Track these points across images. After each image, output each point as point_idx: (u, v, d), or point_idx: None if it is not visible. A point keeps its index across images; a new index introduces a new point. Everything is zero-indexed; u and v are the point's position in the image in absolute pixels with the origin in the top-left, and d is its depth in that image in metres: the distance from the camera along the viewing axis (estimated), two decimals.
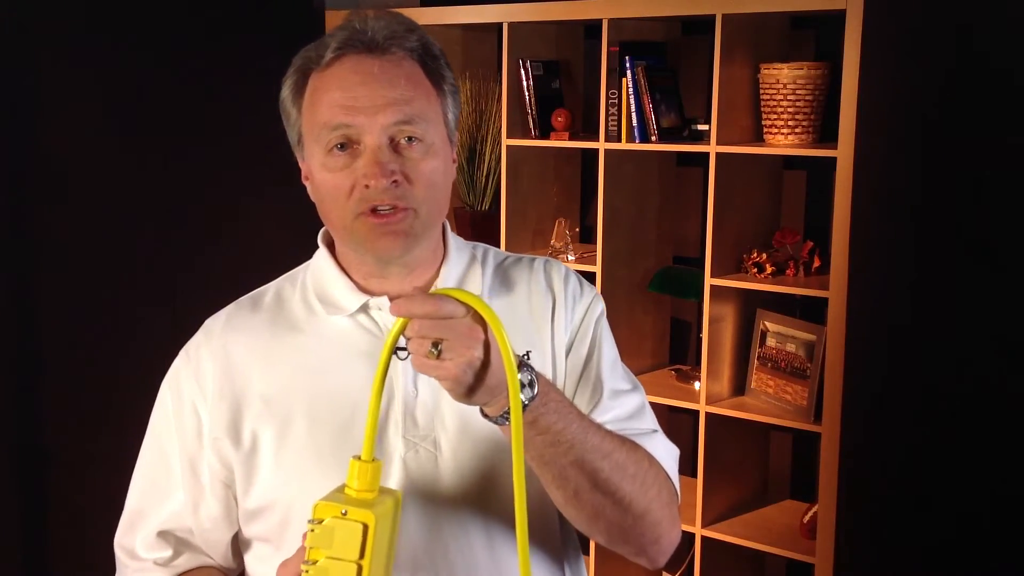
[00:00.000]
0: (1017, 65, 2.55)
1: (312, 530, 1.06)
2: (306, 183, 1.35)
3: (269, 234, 3.11)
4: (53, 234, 2.64)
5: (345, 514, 1.07)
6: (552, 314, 1.38)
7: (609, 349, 1.42)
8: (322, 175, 1.28)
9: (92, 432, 2.72)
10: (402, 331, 1.09)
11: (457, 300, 1.07)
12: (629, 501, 1.26)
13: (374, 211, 1.25)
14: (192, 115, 2.91)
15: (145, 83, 2.80)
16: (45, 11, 2.58)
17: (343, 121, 1.25)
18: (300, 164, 1.36)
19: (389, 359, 1.09)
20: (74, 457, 2.70)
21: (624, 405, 1.37)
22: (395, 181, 1.24)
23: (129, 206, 2.79)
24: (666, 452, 1.36)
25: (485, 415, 1.15)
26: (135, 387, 2.74)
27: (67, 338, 2.68)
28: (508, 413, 1.10)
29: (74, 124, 2.66)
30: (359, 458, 1.10)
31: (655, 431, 1.38)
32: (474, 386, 1.09)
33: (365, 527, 1.06)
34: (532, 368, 1.14)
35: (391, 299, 1.31)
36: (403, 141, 1.26)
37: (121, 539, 1.40)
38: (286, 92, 1.33)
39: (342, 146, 1.25)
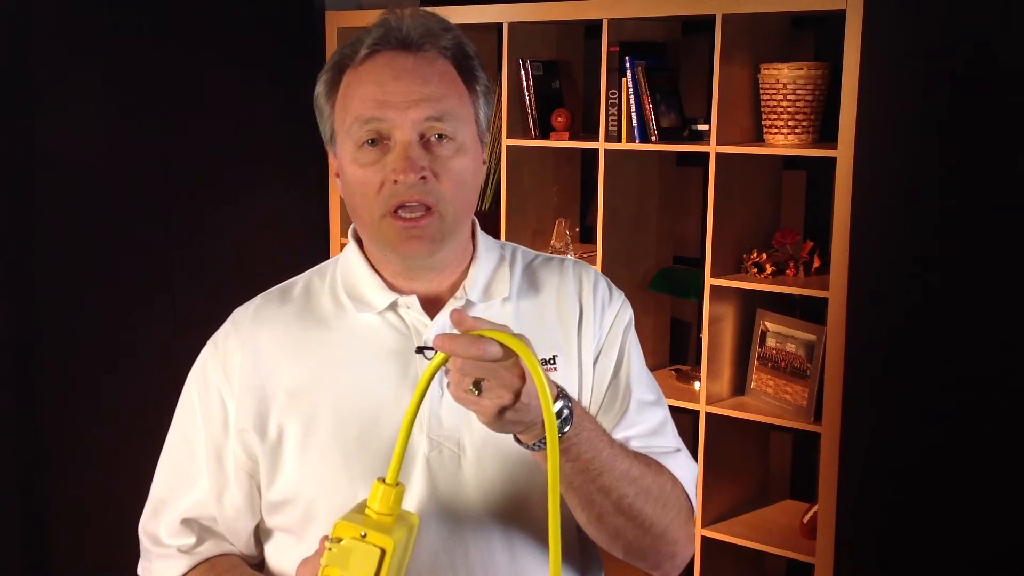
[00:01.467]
0: (1018, 64, 2.55)
1: (330, 548, 1.08)
2: (336, 179, 1.36)
3: (270, 235, 3.12)
4: (53, 234, 2.64)
5: (364, 536, 1.08)
6: (580, 320, 1.39)
7: (637, 358, 1.43)
8: (352, 170, 1.28)
9: (92, 432, 2.72)
10: (440, 366, 1.11)
11: (500, 343, 1.09)
12: (650, 523, 1.28)
13: (399, 211, 1.26)
14: (192, 114, 2.91)
15: (145, 83, 2.80)
16: (45, 11, 2.58)
17: (374, 115, 1.26)
18: (331, 161, 1.37)
19: (424, 393, 1.11)
20: (74, 457, 2.70)
21: (649, 419, 1.39)
22: (423, 177, 1.25)
23: (129, 206, 2.79)
24: (687, 471, 1.38)
25: (519, 441, 1.17)
26: (135, 387, 2.75)
27: (67, 338, 2.68)
28: (541, 442, 1.13)
29: (74, 123, 2.66)
30: (383, 480, 1.11)
31: (678, 449, 1.40)
32: (508, 420, 1.12)
33: (382, 552, 1.07)
34: (569, 397, 1.16)
35: (420, 299, 1.33)
36: (433, 138, 1.27)
37: (146, 525, 1.41)
38: (320, 88, 1.33)
39: (372, 142, 1.26)
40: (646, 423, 1.38)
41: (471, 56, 1.33)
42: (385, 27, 1.29)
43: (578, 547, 1.38)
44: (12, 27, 2.53)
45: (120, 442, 2.69)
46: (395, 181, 1.25)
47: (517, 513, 1.31)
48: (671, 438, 1.41)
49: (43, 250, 2.63)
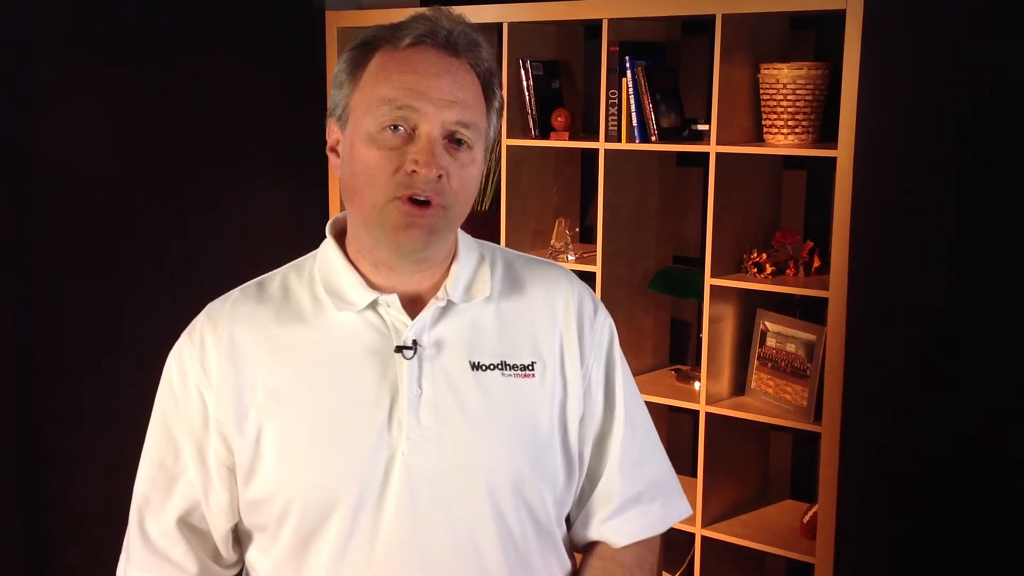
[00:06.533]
0: (1016, 65, 2.55)
1: None
2: (331, 155, 1.36)
3: (271, 233, 3.12)
4: (53, 234, 2.64)
5: None
6: (565, 334, 1.40)
7: (623, 371, 1.47)
8: (367, 150, 1.28)
9: (92, 429, 2.72)
10: None
11: None
12: None
13: (410, 199, 1.26)
14: (193, 113, 2.91)
15: (145, 82, 2.80)
16: (45, 11, 2.58)
17: (409, 103, 1.26)
18: (329, 135, 1.36)
19: None
20: (74, 455, 2.70)
21: (634, 444, 1.45)
22: (440, 176, 1.26)
23: (129, 204, 2.79)
24: (665, 512, 1.49)
25: None
26: (134, 387, 2.74)
27: (67, 335, 2.68)
28: None
29: (74, 123, 2.66)
30: None
31: (667, 480, 1.50)
32: None
33: None
34: None
35: (401, 298, 1.33)
36: (455, 142, 1.28)
37: (135, 525, 1.39)
38: (344, 63, 1.33)
39: (396, 128, 1.27)
40: (633, 450, 1.44)
41: (494, 74, 1.34)
42: (433, 23, 1.29)
43: (560, 538, 1.43)
44: (13, 25, 2.53)
45: (121, 439, 2.68)
46: (413, 172, 1.25)
47: (493, 513, 1.32)
48: (657, 459, 1.49)
49: (43, 249, 2.63)
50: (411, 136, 1.26)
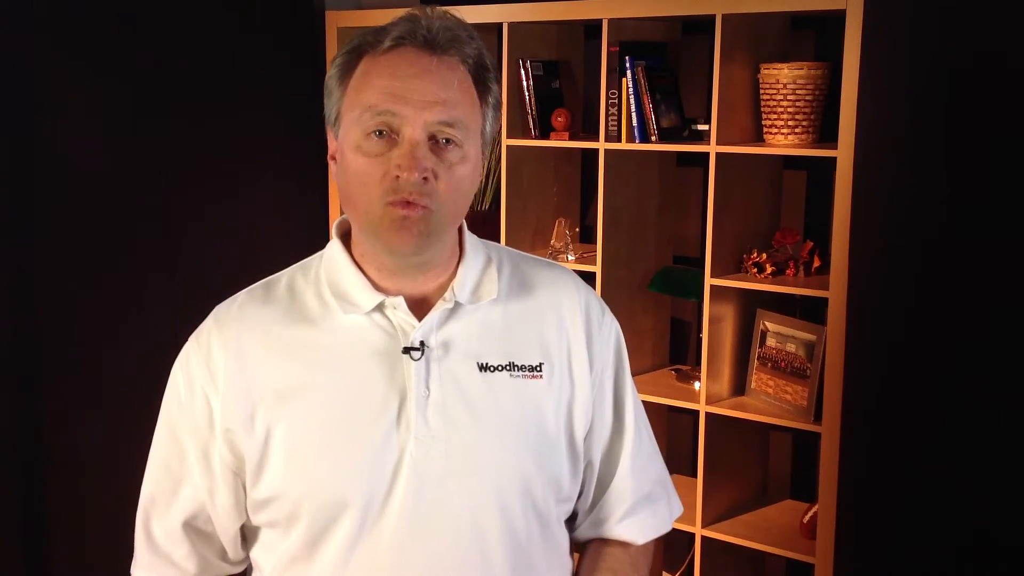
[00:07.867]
0: (1018, 64, 2.55)
1: None
2: (331, 162, 1.36)
3: (271, 233, 3.12)
4: (53, 233, 2.64)
5: None
6: (573, 336, 1.40)
7: (630, 377, 1.48)
8: (355, 157, 1.28)
9: (93, 429, 2.72)
10: None
11: None
12: None
13: (400, 202, 1.26)
14: (193, 112, 2.91)
15: (145, 82, 2.80)
16: (45, 10, 2.58)
17: (388, 108, 1.25)
18: (329, 143, 1.37)
19: None
20: (74, 455, 2.70)
21: (637, 449, 1.46)
22: (425, 178, 1.25)
23: (129, 203, 2.79)
24: (657, 518, 1.49)
25: None
26: (135, 387, 2.75)
27: (66, 337, 2.68)
28: None
29: (74, 123, 2.66)
30: None
31: (666, 479, 1.52)
32: None
33: None
34: None
35: (407, 300, 1.33)
36: (441, 142, 1.27)
37: (140, 527, 1.40)
38: (334, 70, 1.33)
39: (380, 133, 1.26)
40: (642, 451, 1.47)
41: (488, 68, 1.33)
42: (413, 23, 1.28)
43: (562, 539, 1.43)
44: (12, 26, 2.53)
45: (121, 439, 2.69)
46: (397, 176, 1.25)
47: (499, 513, 1.32)
48: (657, 459, 1.51)
49: (43, 249, 2.63)
50: (395, 140, 1.26)
